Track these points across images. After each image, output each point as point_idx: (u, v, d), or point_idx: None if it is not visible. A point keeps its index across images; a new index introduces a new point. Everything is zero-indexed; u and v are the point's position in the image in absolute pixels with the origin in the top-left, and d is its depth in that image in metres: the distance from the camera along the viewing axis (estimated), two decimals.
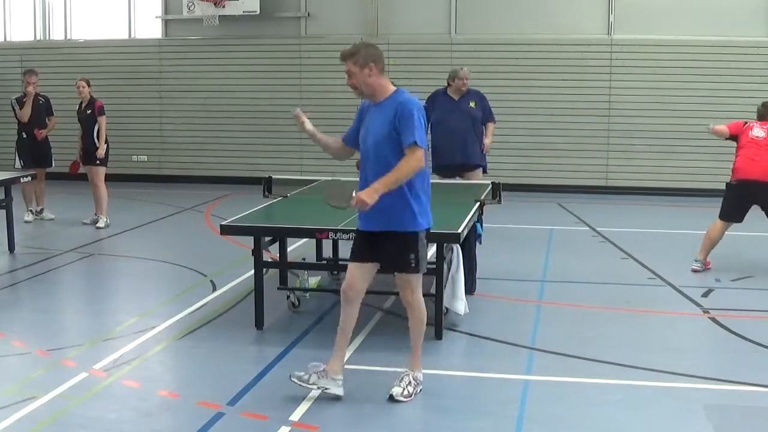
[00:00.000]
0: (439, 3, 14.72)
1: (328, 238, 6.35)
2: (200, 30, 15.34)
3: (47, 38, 16.33)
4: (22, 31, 16.48)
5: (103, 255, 9.60)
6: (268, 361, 5.89)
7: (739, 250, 9.12)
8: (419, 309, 5.28)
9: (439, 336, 6.34)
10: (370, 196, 4.83)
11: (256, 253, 6.51)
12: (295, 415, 4.94)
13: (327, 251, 8.18)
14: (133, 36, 16.04)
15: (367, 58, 4.99)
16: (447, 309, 6.47)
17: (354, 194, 4.86)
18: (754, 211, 8.63)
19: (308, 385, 5.10)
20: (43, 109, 11.65)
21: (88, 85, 11.10)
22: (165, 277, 8.71)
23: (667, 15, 13.97)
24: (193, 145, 15.61)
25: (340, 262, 7.69)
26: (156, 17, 15.81)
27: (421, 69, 14.26)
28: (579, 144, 14.31)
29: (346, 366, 5.36)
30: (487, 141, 9.77)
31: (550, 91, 14.22)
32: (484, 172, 9.76)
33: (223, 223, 6.67)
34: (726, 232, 8.56)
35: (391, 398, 5.13)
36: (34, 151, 11.52)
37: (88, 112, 11.04)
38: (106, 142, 11.09)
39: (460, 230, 6.23)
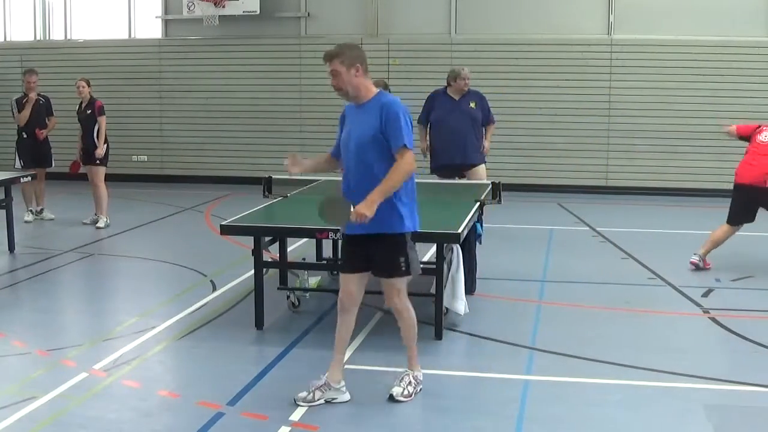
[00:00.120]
0: (439, 3, 14.72)
1: (328, 238, 6.33)
2: (200, 30, 15.34)
3: (47, 38, 16.33)
4: (22, 31, 16.49)
5: (103, 255, 9.60)
6: (268, 361, 5.89)
7: (739, 250, 9.12)
8: (408, 313, 5.21)
9: (439, 336, 6.34)
10: (368, 208, 4.77)
11: (256, 253, 6.51)
12: (295, 415, 4.94)
13: (327, 251, 8.18)
14: (133, 36, 16.05)
15: (354, 58, 4.93)
16: (447, 309, 6.47)
17: (352, 209, 4.79)
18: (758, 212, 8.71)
19: (315, 403, 5.06)
20: (43, 110, 11.66)
21: (88, 85, 11.10)
22: (165, 277, 8.71)
23: (667, 15, 13.98)
24: (193, 145, 15.61)
25: (340, 263, 7.68)
26: (156, 17, 15.81)
27: (421, 69, 14.27)
28: (579, 144, 14.31)
29: (346, 366, 5.36)
30: (486, 144, 9.77)
31: (550, 91, 14.22)
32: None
33: (223, 223, 6.66)
34: None
35: (392, 398, 5.12)
36: (34, 151, 11.52)
37: (88, 112, 11.04)
38: (106, 142, 11.10)
39: (460, 230, 6.22)
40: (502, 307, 7.41)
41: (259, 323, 6.59)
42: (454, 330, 6.57)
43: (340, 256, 5.28)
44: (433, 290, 6.40)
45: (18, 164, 11.51)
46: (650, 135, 14.04)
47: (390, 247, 5.01)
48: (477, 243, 7.49)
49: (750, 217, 8.56)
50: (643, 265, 8.83)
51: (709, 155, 13.88)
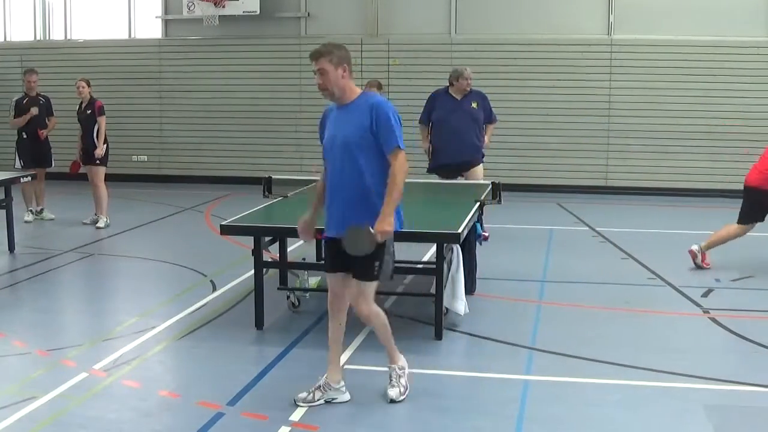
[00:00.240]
0: (439, 3, 14.73)
1: None
2: (200, 30, 15.34)
3: (47, 38, 16.34)
4: (22, 31, 16.49)
5: (103, 255, 9.60)
6: (268, 361, 5.89)
7: (739, 250, 9.12)
8: (377, 318, 5.10)
9: (439, 336, 6.34)
10: (388, 223, 4.80)
11: (256, 253, 6.51)
12: (295, 415, 4.94)
13: None
14: (133, 36, 16.05)
15: (341, 58, 4.90)
16: (447, 309, 6.47)
17: (372, 231, 4.80)
18: None
19: (315, 403, 5.06)
20: (43, 110, 11.66)
21: (88, 85, 11.10)
22: (165, 277, 8.71)
23: (666, 15, 13.98)
24: (193, 145, 15.62)
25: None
26: (156, 17, 15.82)
27: (421, 69, 14.29)
28: (579, 144, 14.31)
29: (346, 366, 5.36)
30: (486, 140, 9.78)
31: (550, 91, 14.22)
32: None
33: (223, 223, 6.67)
34: None
35: (392, 401, 5.11)
36: (34, 151, 11.52)
37: (88, 112, 11.04)
38: (106, 142, 11.10)
39: (460, 230, 6.22)
40: (502, 307, 7.41)
41: (259, 323, 6.59)
42: (454, 330, 6.57)
43: (323, 257, 5.26)
44: (433, 290, 6.40)
45: (18, 164, 11.51)
46: (650, 135, 14.04)
47: None
48: (477, 243, 7.49)
49: (760, 217, 8.66)
50: (643, 265, 8.83)
51: (710, 155, 13.90)
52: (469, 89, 9.61)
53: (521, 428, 4.84)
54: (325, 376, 5.14)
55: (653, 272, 8.54)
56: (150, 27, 15.93)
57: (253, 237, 6.54)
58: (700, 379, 5.62)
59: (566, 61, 14.18)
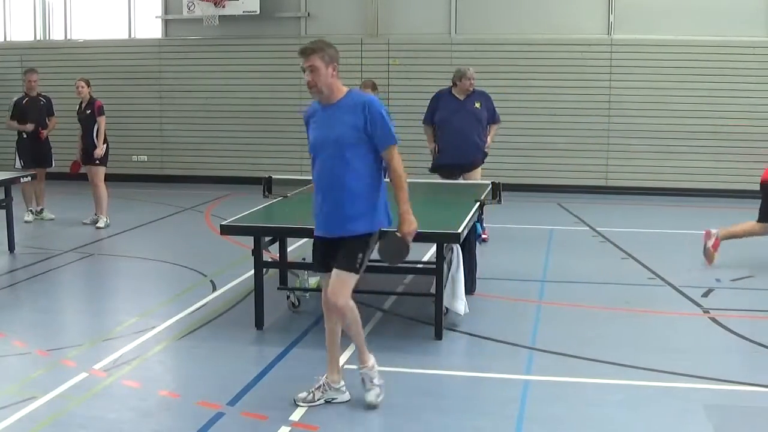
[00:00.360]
0: (439, 3, 14.73)
1: None
2: (200, 30, 15.34)
3: (47, 38, 16.33)
4: (22, 31, 16.49)
5: (103, 255, 9.60)
6: (268, 361, 5.89)
7: (739, 250, 9.11)
8: (352, 312, 5.00)
9: (439, 336, 6.34)
10: (410, 221, 4.89)
11: (256, 253, 6.51)
12: (295, 415, 4.94)
13: None
14: (133, 36, 16.05)
15: (332, 57, 4.88)
16: (447, 309, 6.47)
17: (399, 234, 4.90)
18: (754, 211, 8.72)
19: (315, 403, 5.06)
20: (44, 110, 11.66)
21: (88, 85, 11.10)
22: (165, 277, 8.71)
23: (667, 15, 13.98)
24: (193, 145, 15.61)
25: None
26: (156, 17, 15.82)
27: (421, 69, 14.29)
28: (579, 144, 14.31)
29: (345, 366, 5.36)
30: (488, 140, 9.77)
31: (550, 91, 14.22)
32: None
33: (223, 223, 6.66)
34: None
35: (371, 406, 5.04)
36: (34, 151, 11.52)
37: (88, 112, 11.04)
38: (106, 141, 11.10)
39: (460, 230, 6.22)
40: (502, 307, 7.41)
41: (259, 323, 6.59)
42: (454, 330, 6.57)
43: (312, 257, 5.26)
44: (433, 290, 6.40)
45: (18, 164, 11.51)
46: (650, 135, 14.04)
47: (354, 242, 4.94)
48: (477, 243, 7.48)
49: None
50: (643, 265, 8.83)
51: (710, 155, 13.89)
52: (472, 89, 9.61)
53: (521, 428, 4.83)
54: (324, 376, 5.14)
55: (653, 272, 8.54)
56: (150, 27, 15.92)
57: (253, 237, 6.54)
58: (700, 379, 5.62)
59: (566, 61, 14.17)
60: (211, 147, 15.50)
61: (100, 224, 10.98)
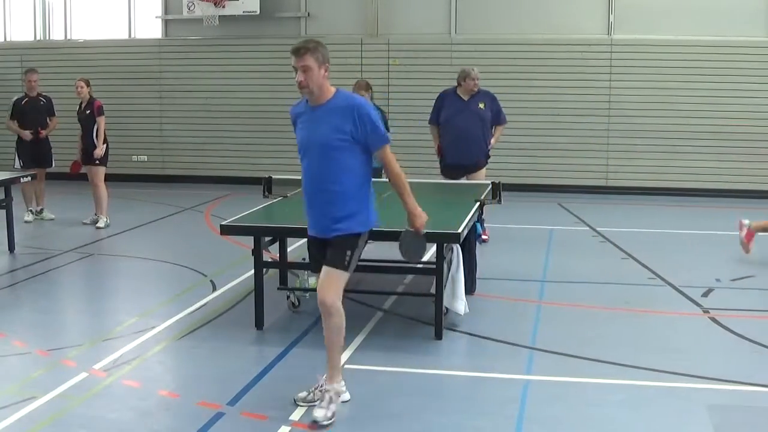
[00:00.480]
0: (439, 3, 14.72)
1: None
2: (200, 30, 15.34)
3: (47, 38, 16.33)
4: (22, 31, 16.48)
5: (103, 255, 9.60)
6: (268, 361, 5.89)
7: (739, 250, 9.11)
8: (339, 316, 4.92)
9: (439, 336, 6.34)
10: (420, 215, 4.96)
11: (256, 253, 6.51)
12: (295, 415, 4.94)
13: None
14: (133, 36, 16.04)
15: (325, 57, 4.88)
16: (447, 309, 6.47)
17: (412, 228, 4.98)
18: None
19: (315, 403, 5.02)
20: (44, 110, 11.66)
21: (88, 85, 11.09)
22: (165, 277, 8.71)
23: (667, 15, 13.97)
24: (193, 145, 15.60)
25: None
26: (156, 17, 15.81)
27: (421, 69, 14.29)
28: (579, 144, 14.30)
29: (345, 366, 5.35)
30: (492, 141, 9.74)
31: (550, 91, 14.21)
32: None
33: (223, 223, 6.66)
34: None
35: (315, 423, 4.77)
36: (34, 151, 11.52)
37: (88, 112, 11.04)
38: (105, 142, 11.10)
39: (460, 230, 6.22)
40: (502, 307, 7.41)
41: (259, 323, 6.59)
42: (454, 330, 6.57)
43: (308, 258, 5.25)
44: (433, 290, 6.40)
45: (18, 164, 11.51)
46: (650, 135, 14.03)
47: (343, 240, 4.93)
48: (477, 243, 7.48)
49: None
50: (643, 265, 8.82)
51: (710, 155, 13.89)
52: (476, 90, 9.59)
53: (521, 428, 4.83)
54: (324, 376, 5.13)
55: (653, 272, 8.53)
56: (150, 27, 15.91)
57: (253, 237, 6.54)
58: (700, 379, 5.62)
59: (566, 61, 14.16)
60: (211, 147, 15.49)
61: (100, 224, 10.97)
